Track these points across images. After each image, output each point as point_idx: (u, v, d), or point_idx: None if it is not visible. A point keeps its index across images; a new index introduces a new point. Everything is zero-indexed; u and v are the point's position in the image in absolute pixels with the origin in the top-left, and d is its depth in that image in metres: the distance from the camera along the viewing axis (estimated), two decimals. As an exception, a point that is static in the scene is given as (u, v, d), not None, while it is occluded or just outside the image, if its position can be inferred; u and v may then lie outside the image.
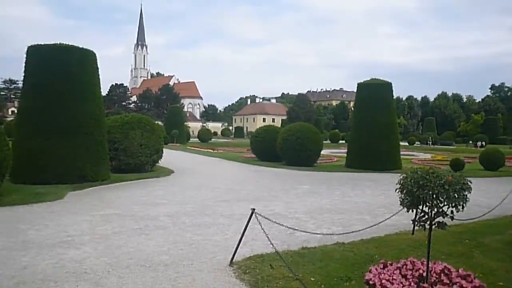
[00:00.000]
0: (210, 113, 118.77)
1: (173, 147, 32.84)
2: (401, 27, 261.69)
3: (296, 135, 18.22)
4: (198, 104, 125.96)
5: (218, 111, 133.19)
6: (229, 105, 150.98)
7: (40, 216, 7.54)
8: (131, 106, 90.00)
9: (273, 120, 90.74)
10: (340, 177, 15.17)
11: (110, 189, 11.07)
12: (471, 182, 4.05)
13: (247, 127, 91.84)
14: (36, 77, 11.38)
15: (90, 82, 11.93)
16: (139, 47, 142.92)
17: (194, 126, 74.91)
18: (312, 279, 4.53)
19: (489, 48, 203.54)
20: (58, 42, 11.74)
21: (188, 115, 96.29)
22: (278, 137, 19.24)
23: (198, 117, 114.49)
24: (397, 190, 4.19)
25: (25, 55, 11.70)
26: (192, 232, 6.64)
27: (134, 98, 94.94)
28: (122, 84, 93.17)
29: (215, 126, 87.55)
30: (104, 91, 62.20)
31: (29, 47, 11.72)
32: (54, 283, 4.39)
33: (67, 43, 11.81)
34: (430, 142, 52.04)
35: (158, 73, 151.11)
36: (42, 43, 11.65)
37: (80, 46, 11.95)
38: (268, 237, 4.83)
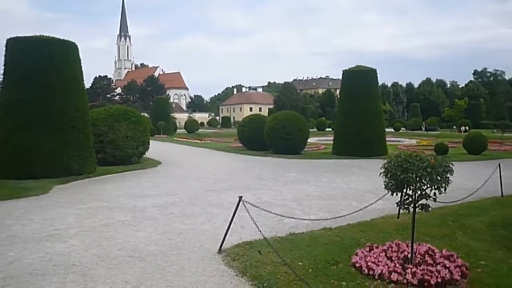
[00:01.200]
0: (196, 104, 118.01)
1: (160, 138, 32.60)
2: (387, 15, 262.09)
3: (282, 123, 18.26)
4: (184, 95, 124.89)
5: (205, 102, 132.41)
6: (215, 95, 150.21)
7: (25, 211, 7.45)
8: (116, 98, 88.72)
9: (260, 109, 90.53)
10: (327, 164, 15.29)
11: (96, 182, 10.98)
12: (453, 165, 4.14)
13: (234, 117, 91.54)
14: (16, 70, 11.12)
15: (72, 75, 11.72)
16: (122, 38, 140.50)
17: (181, 117, 74.40)
18: (300, 263, 4.59)
19: (473, 34, 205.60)
20: (39, 34, 11.48)
21: (174, 106, 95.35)
22: (265, 126, 19.26)
23: (184, 108, 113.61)
24: (382, 174, 4.26)
25: (4, 48, 11.42)
26: (180, 222, 6.65)
27: (118, 90, 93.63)
28: (106, 76, 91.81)
29: (202, 117, 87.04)
30: (87, 83, 61.45)
31: (8, 40, 11.42)
32: (42, 276, 4.36)
33: (48, 35, 11.57)
34: (424, 128, 52.45)
35: (142, 64, 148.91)
36: (22, 36, 11.38)
37: (62, 38, 11.72)
38: (256, 224, 4.87)
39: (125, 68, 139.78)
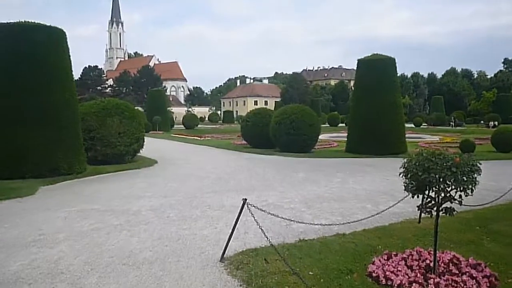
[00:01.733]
0: (195, 97, 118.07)
1: (155, 135, 32.73)
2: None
3: (290, 118, 18.24)
4: (182, 86, 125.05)
5: (205, 94, 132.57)
6: (216, 88, 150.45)
7: (9, 214, 7.51)
8: (107, 90, 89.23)
9: (266, 102, 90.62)
10: (339, 163, 15.28)
11: (86, 183, 11.04)
12: (480, 164, 4.11)
13: (237, 111, 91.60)
14: (-2, 60, 11.18)
15: (60, 65, 11.76)
16: (114, 24, 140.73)
17: (178, 112, 74.42)
18: (310, 273, 4.59)
19: (503, 19, 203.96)
20: (23, 20, 11.52)
21: (171, 99, 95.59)
22: (271, 121, 19.25)
23: (182, 101, 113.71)
24: (401, 175, 4.24)
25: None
26: (178, 226, 6.67)
27: (110, 82, 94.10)
28: (97, 66, 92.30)
29: (201, 111, 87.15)
30: (76, 74, 61.60)
31: (-13, 26, 11.46)
32: (28, 285, 4.40)
33: (32, 21, 11.60)
34: (453, 123, 51.63)
35: (136, 54, 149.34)
36: (3, 22, 11.41)
37: (48, 24, 11.76)
38: (262, 230, 4.87)
39: (117, 58, 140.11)
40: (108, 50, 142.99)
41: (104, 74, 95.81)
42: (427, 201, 4.19)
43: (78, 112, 12.50)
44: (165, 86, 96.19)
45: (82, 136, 12.59)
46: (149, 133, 31.41)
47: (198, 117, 57.55)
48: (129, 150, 14.72)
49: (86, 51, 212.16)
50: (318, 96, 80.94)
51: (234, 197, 8.80)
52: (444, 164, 3.95)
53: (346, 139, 19.57)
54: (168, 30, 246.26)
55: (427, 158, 4.05)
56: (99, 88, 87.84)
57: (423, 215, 4.43)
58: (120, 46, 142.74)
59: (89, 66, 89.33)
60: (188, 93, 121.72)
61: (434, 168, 3.97)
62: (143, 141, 15.68)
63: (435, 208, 4.19)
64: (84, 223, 6.88)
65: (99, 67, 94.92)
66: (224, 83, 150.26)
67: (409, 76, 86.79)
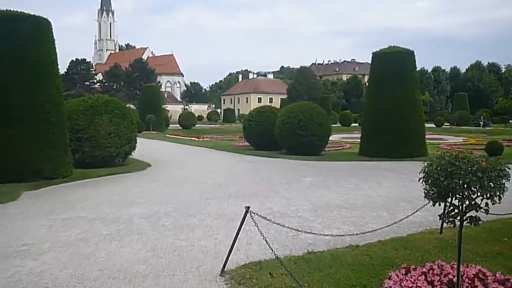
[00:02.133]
0: (193, 93, 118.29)
1: (149, 135, 32.81)
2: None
3: (298, 117, 18.24)
4: (178, 82, 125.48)
5: (203, 91, 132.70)
6: (216, 83, 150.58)
7: (-12, 222, 7.54)
8: (96, 86, 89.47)
9: (271, 100, 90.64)
10: (352, 167, 15.28)
11: (73, 188, 11.08)
12: (509, 168, 4.09)
13: (239, 110, 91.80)
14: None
15: (45, 58, 11.81)
16: (104, 13, 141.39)
17: (174, 110, 74.67)
18: (320, 288, 4.58)
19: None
20: (4, 9, 11.58)
21: (166, 96, 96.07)
22: (276, 120, 19.24)
23: (178, 98, 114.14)
24: (421, 180, 4.23)
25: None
26: (174, 236, 6.68)
27: (99, 77, 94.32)
28: (85, 59, 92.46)
29: (199, 109, 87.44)
30: (62, 68, 61.82)
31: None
32: (8, 301, 4.41)
33: (14, 10, 11.66)
34: (482, 123, 51.30)
35: (128, 45, 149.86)
36: (-17, 11, 11.48)
37: (31, 13, 11.81)
38: (266, 241, 4.87)
39: (107, 50, 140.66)
40: (98, 41, 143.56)
41: (93, 68, 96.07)
42: (449, 209, 4.17)
43: (64, 110, 12.54)
44: (159, 82, 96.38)
45: (68, 136, 12.63)
46: (142, 133, 31.52)
47: (196, 115, 57.72)
48: (120, 152, 14.75)
49: (73, 42, 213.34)
50: (328, 92, 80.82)
51: (235, 205, 8.81)
52: (469, 168, 3.93)
53: (359, 140, 19.54)
54: (163, 20, 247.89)
55: (450, 161, 4.03)
56: (87, 83, 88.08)
57: (445, 225, 4.43)
58: (111, 37, 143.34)
59: (76, 59, 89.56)
60: (185, 89, 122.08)
61: (457, 173, 3.95)
62: (135, 142, 15.72)
63: (458, 217, 4.17)
64: (70, 232, 6.90)
65: (88, 60, 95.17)
66: (224, 78, 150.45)
67: (429, 70, 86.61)
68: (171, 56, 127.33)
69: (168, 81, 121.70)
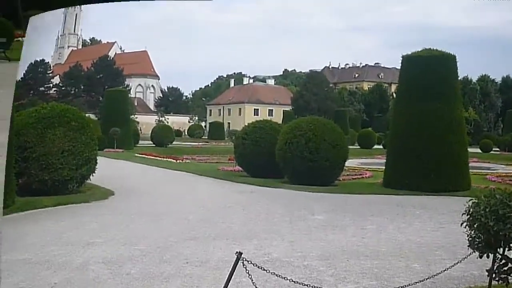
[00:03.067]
0: (171, 101, 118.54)
1: (113, 154, 32.76)
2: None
3: (306, 136, 18.26)
4: (152, 86, 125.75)
5: (184, 98, 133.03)
6: (201, 89, 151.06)
7: None
8: (51, 92, 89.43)
9: (271, 112, 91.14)
10: (374, 202, 15.29)
11: (13, 222, 10.98)
12: None
13: (229, 123, 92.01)
14: None
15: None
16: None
17: (146, 122, 75.00)
18: None
19: None
20: None
21: (136, 103, 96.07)
22: (278, 139, 19.27)
23: (152, 107, 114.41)
24: (464, 224, 4.20)
25: None
26: (142, 289, 6.59)
27: (57, 80, 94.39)
28: (43, 60, 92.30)
29: (178, 122, 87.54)
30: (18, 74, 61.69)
31: None
32: None
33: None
34: None
35: (93, 40, 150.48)
36: None
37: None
38: (262, 298, 4.80)
39: (68, 47, 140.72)
40: (60, 37, 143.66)
41: (50, 69, 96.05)
42: (501, 263, 4.15)
43: (12, 126, 12.45)
44: (128, 85, 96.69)
45: (14, 156, 12.54)
46: (104, 151, 31.39)
47: (174, 130, 57.63)
48: (75, 175, 14.67)
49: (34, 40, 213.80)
50: (345, 104, 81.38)
51: (223, 248, 8.73)
52: (527, 211, 3.91)
53: (383, 167, 19.56)
54: (136, 7, 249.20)
55: (502, 201, 4.02)
56: (42, 89, 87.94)
57: (495, 282, 4.38)
58: (75, 31, 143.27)
59: (35, 61, 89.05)
60: (161, 95, 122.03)
61: (511, 216, 3.93)
62: (95, 163, 15.65)
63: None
64: (8, 280, 6.78)
65: (46, 61, 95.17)
66: (212, 83, 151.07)
67: (474, 80, 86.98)
68: (144, 52, 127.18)
69: (140, 84, 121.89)
